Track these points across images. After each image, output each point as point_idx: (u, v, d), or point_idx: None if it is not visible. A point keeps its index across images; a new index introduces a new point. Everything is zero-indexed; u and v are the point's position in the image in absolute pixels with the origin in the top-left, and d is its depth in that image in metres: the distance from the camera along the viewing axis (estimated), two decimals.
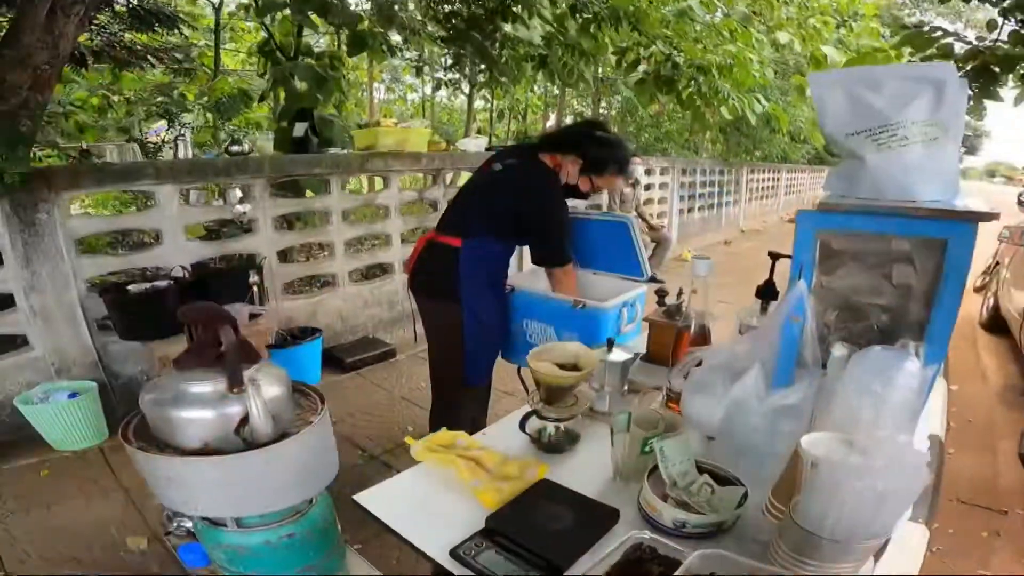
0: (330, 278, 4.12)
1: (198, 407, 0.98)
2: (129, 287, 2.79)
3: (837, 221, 0.96)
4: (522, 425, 1.11)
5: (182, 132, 3.57)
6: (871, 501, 0.61)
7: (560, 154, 1.95)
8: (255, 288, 3.11)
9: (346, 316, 4.14)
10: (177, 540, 1.48)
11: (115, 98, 6.18)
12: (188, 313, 0.99)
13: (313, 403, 1.19)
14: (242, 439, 1.00)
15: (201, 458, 0.98)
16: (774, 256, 1.27)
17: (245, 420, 0.99)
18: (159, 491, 1.07)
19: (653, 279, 7.11)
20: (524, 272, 2.73)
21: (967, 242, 0.86)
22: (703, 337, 1.17)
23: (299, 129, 4.12)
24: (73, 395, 2.75)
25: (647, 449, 0.95)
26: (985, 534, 2.20)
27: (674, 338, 1.21)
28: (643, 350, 1.65)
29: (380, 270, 4.48)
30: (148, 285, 2.83)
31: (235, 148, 3.67)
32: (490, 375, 2.23)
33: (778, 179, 13.38)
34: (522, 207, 1.90)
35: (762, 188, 12.28)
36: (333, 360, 3.86)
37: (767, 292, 1.25)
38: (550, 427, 1.09)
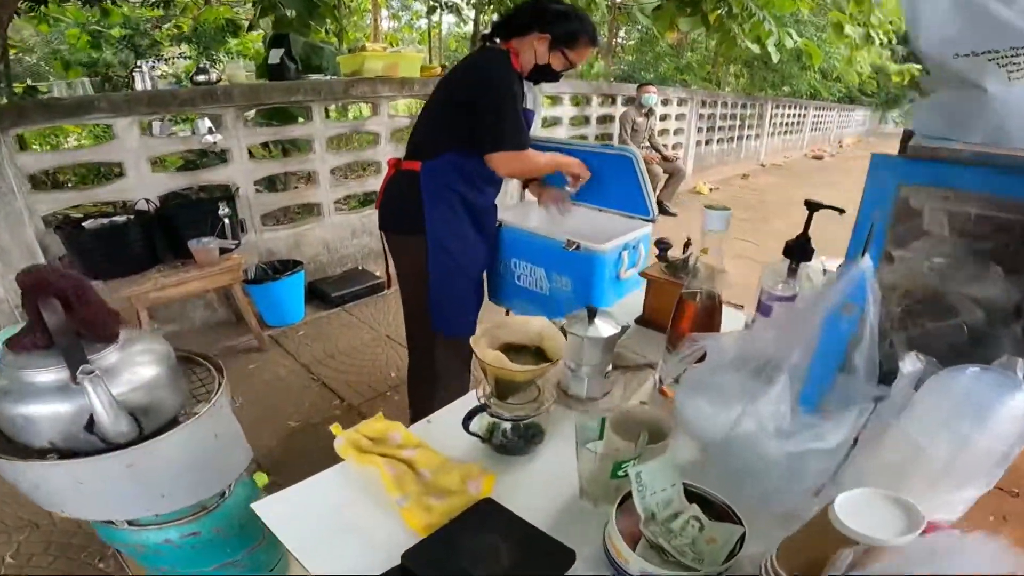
0: (315, 207, 3.87)
1: (31, 401, 0.75)
2: (84, 223, 2.57)
3: (936, 174, 0.64)
4: (466, 424, 0.86)
5: (138, 64, 3.27)
6: None
7: (518, 38, 1.69)
8: (226, 220, 2.86)
9: (333, 247, 3.94)
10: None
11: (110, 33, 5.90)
12: (20, 280, 0.74)
13: (213, 379, 0.96)
14: (99, 438, 0.78)
15: (40, 463, 0.76)
16: (812, 206, 0.97)
17: None
18: (20, 489, 0.86)
19: (665, 212, 6.78)
20: (519, 205, 2.46)
21: None
22: (711, 311, 0.90)
23: (274, 56, 3.89)
24: None
25: (620, 473, 0.71)
26: (992, 518, 1.99)
27: (676, 305, 0.94)
28: (637, 310, 1.39)
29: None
30: (106, 220, 2.61)
31: (200, 77, 3.35)
32: (471, 322, 1.99)
33: (804, 115, 13.09)
34: (468, 89, 1.65)
35: (787, 123, 12.00)
36: (318, 294, 3.67)
37: (799, 251, 0.96)
38: (505, 425, 0.85)
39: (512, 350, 0.85)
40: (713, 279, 0.87)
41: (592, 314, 0.93)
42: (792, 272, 1.01)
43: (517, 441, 0.86)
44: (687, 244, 1.19)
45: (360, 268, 4.06)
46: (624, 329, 0.94)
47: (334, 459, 0.91)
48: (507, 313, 2.39)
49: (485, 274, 2.07)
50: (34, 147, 5.23)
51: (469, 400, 0.91)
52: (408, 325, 1.99)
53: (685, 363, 0.75)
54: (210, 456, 0.89)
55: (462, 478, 0.83)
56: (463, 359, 2.03)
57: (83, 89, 3.15)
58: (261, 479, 1.38)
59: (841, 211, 1.01)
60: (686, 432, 0.80)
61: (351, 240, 4.03)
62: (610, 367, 1.00)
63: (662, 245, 1.20)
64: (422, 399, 2.05)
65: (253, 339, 3.08)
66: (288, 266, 3.39)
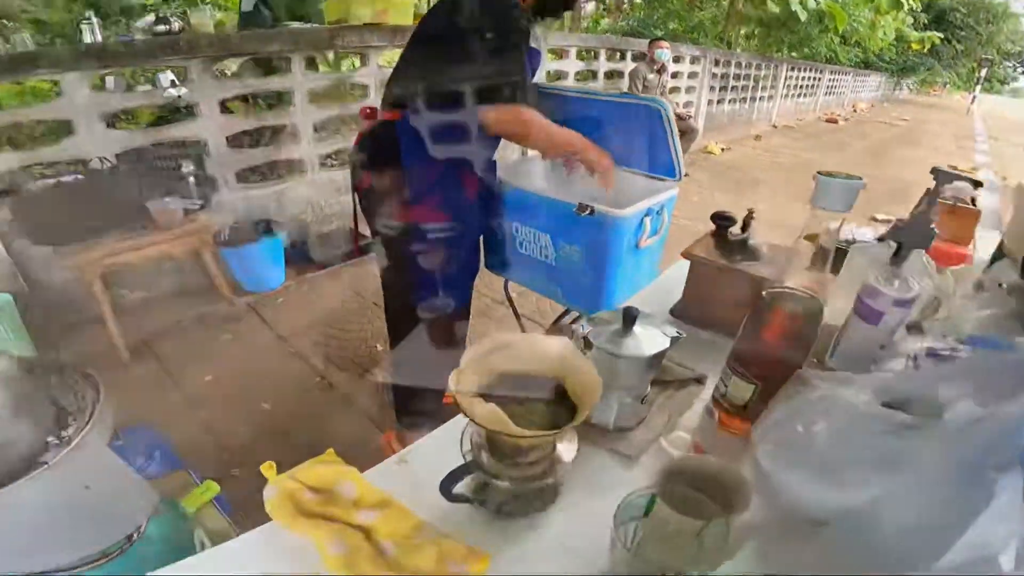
0: (297, 164, 3.55)
1: None
2: (28, 185, 2.28)
3: None
4: (447, 489, 0.57)
5: (87, 16, 2.93)
6: None
7: None
8: (191, 179, 2.56)
9: (317, 205, 3.64)
10: None
11: None
12: None
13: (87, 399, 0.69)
14: None
15: None
16: (942, 176, 0.68)
17: None
18: None
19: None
20: (522, 161, 2.19)
21: None
22: (810, 323, 0.62)
23: (247, 3, 3.56)
24: None
25: None
26: None
27: (753, 308, 0.65)
28: (667, 296, 1.12)
29: None
30: (52, 181, 2.31)
31: (160, 27, 3.03)
32: (464, 298, 1.74)
33: (819, 79, 12.95)
34: (461, 22, 1.35)
35: (801, 86, 11.85)
36: (300, 257, 3.39)
37: (917, 234, 0.68)
38: (502, 484, 0.59)
39: (515, 383, 0.57)
40: (817, 278, 0.59)
41: (630, 320, 0.66)
42: (897, 262, 0.73)
43: (519, 505, 0.60)
44: (748, 217, 0.90)
45: (348, 228, 3.78)
46: (675, 339, 0.67)
47: (310, 452, 0.69)
48: (506, 285, 2.12)
49: (481, 239, 1.80)
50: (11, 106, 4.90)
51: (452, 437, 0.64)
52: (388, 301, 1.74)
53: (794, 425, 0.47)
54: (88, 507, 0.64)
55: (441, 557, 0.57)
56: (456, 338, 1.78)
57: (24, 44, 2.84)
58: (201, 495, 1.13)
59: (979, 184, 0.73)
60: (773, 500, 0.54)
61: (337, 198, 3.73)
62: (648, 389, 0.73)
63: (722, 221, 0.91)
64: (408, 385, 1.81)
65: (227, 307, 2.82)
66: (267, 227, 3.10)
